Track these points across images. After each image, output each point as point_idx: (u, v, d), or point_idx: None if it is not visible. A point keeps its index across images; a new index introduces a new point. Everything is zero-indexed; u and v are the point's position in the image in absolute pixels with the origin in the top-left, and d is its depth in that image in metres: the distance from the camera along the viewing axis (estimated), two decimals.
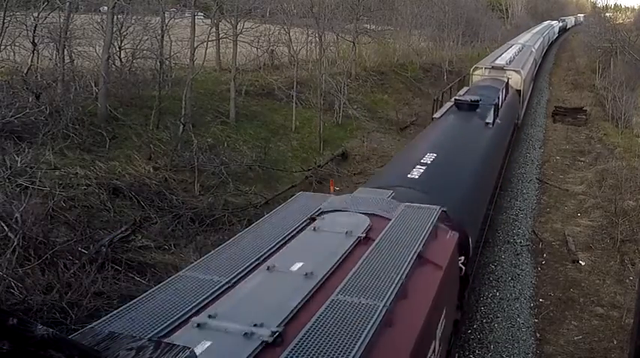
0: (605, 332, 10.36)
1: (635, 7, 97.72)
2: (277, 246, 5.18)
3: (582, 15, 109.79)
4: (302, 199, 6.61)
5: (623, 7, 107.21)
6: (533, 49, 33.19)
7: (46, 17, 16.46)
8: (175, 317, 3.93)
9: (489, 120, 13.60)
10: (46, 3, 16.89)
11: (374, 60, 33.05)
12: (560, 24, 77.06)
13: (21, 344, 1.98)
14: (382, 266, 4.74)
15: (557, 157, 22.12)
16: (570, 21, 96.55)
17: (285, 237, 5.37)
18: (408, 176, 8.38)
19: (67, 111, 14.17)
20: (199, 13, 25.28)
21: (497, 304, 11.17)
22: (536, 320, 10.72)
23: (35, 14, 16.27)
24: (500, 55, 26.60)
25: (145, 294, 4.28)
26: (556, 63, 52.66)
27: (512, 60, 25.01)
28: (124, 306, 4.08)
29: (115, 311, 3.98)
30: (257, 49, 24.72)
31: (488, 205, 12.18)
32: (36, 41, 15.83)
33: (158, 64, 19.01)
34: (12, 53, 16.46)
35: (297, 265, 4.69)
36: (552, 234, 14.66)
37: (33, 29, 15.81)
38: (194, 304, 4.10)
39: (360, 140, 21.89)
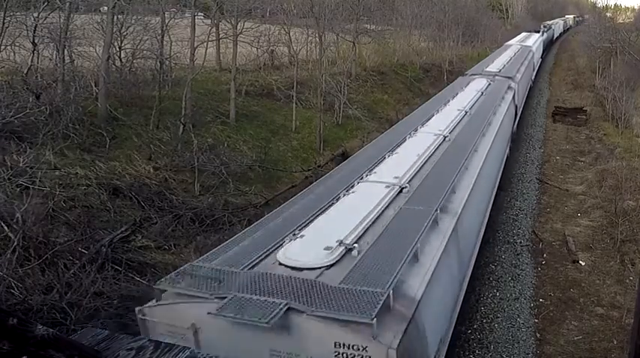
0: (605, 333, 10.35)
1: (635, 7, 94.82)
2: None
3: (573, 16, 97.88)
4: None
5: (623, 7, 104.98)
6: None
7: (46, 17, 16.46)
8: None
9: None
10: (46, 3, 16.89)
11: (374, 60, 33.06)
12: (544, 36, 51.54)
13: (21, 344, 1.98)
14: None
15: (557, 157, 22.11)
16: (558, 27, 72.21)
17: None
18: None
19: (67, 111, 14.17)
20: (199, 13, 25.31)
21: (497, 304, 11.17)
22: (536, 321, 10.72)
23: (35, 14, 16.27)
24: None
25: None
26: (556, 63, 52.64)
27: None
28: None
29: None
30: (257, 49, 24.75)
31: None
32: (36, 41, 15.83)
33: (158, 64, 19.02)
34: (12, 53, 16.47)
35: None
36: (552, 234, 14.65)
37: (33, 29, 15.80)
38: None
39: (360, 140, 21.88)
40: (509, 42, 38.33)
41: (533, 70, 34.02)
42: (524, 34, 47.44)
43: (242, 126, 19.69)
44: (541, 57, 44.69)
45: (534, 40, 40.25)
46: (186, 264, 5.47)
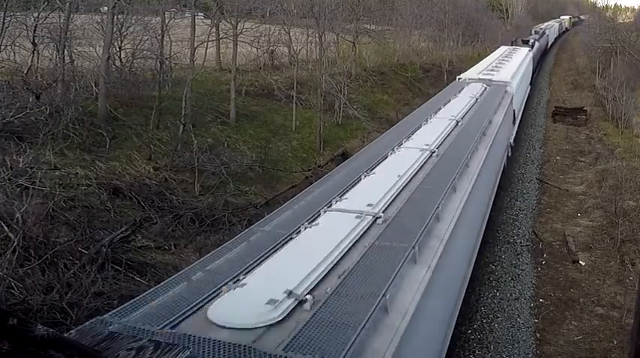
0: (605, 333, 10.35)
1: (635, 7, 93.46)
2: None
3: (569, 17, 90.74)
4: None
5: (623, 7, 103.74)
6: None
7: (46, 17, 16.47)
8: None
9: None
10: (46, 3, 16.91)
11: (374, 60, 33.07)
12: (536, 46, 37.08)
13: (21, 344, 1.98)
14: None
15: (558, 157, 22.12)
16: (553, 31, 60.73)
17: None
18: None
19: (67, 111, 14.17)
20: (199, 13, 25.32)
21: (497, 304, 11.17)
22: (536, 321, 10.72)
23: (35, 14, 16.28)
24: None
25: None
26: (556, 63, 52.62)
27: None
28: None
29: None
30: (257, 49, 24.76)
31: None
32: (36, 41, 15.84)
33: (158, 64, 19.03)
34: (12, 53, 16.47)
35: None
36: (552, 234, 14.66)
37: (33, 29, 15.82)
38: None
39: (360, 140, 21.88)
40: (470, 72, 20.65)
41: (513, 122, 19.10)
42: (503, 48, 31.57)
43: (242, 126, 19.69)
44: (530, 83, 30.74)
45: (518, 64, 24.03)
46: (92, 320, 4.15)
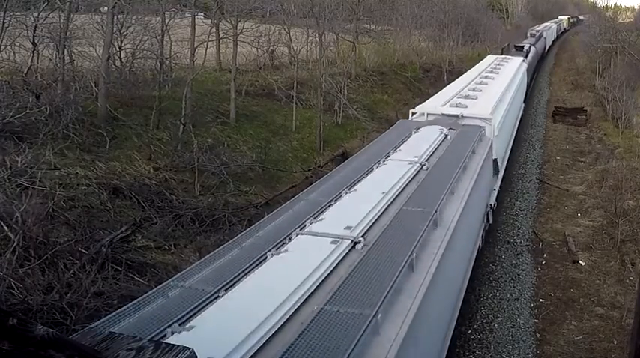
0: (605, 333, 10.36)
1: (635, 7, 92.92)
2: None
3: (567, 17, 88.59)
4: None
5: (623, 7, 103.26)
6: None
7: (46, 17, 16.48)
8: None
9: None
10: (46, 3, 16.91)
11: (374, 60, 33.07)
12: (532, 53, 32.42)
13: (21, 344, 1.98)
14: None
15: (558, 157, 22.12)
16: (550, 33, 57.01)
17: None
18: None
19: (67, 111, 14.17)
20: (199, 13, 25.33)
21: (497, 304, 11.18)
22: (536, 321, 10.72)
23: (35, 14, 16.29)
24: None
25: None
26: (556, 63, 52.61)
27: None
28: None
29: None
30: (257, 49, 24.77)
31: None
32: (36, 41, 15.84)
33: (158, 64, 19.03)
34: (12, 53, 16.48)
35: None
36: (552, 234, 14.66)
37: (33, 29, 15.82)
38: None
39: (360, 140, 21.88)
40: (431, 103, 14.24)
41: (495, 172, 13.25)
42: (490, 59, 25.19)
43: (242, 126, 19.69)
44: (524, 100, 25.41)
45: (506, 84, 17.95)
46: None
